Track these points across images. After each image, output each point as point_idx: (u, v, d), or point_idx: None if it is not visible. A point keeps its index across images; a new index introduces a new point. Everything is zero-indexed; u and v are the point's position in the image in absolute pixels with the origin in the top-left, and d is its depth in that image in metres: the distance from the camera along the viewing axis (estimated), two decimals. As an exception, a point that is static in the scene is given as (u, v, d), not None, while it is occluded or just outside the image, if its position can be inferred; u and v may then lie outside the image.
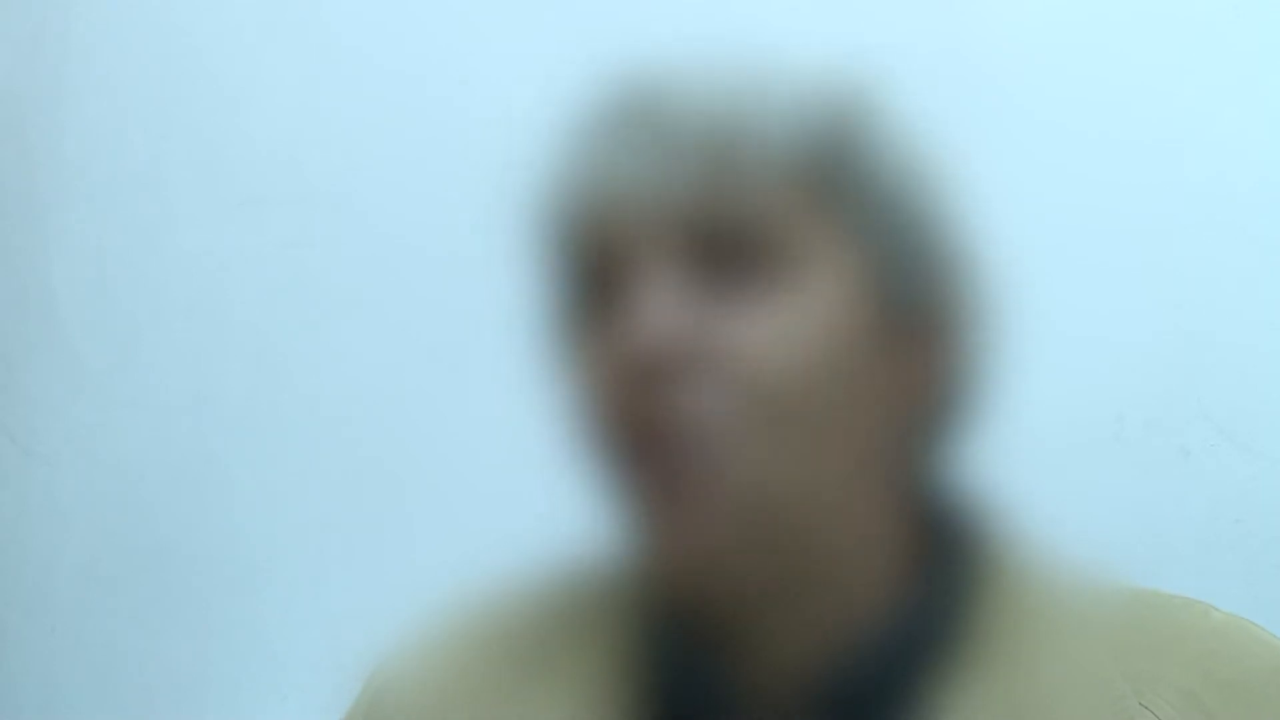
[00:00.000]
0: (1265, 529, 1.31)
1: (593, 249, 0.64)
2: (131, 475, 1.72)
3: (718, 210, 0.61)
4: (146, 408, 1.71)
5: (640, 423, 0.61)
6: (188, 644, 1.68)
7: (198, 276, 1.70)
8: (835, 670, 0.64)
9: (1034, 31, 1.38)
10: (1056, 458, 1.29)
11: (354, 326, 1.62)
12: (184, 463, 1.69)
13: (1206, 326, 1.33)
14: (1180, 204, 1.34)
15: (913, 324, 0.64)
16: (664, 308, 0.61)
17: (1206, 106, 1.34)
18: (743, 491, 0.61)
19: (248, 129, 1.68)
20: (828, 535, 0.64)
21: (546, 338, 0.66)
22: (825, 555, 0.64)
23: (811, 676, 0.65)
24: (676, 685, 0.67)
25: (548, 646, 0.70)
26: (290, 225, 1.66)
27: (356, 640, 0.73)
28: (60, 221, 1.77)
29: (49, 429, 1.77)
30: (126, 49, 1.74)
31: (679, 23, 1.33)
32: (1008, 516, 0.68)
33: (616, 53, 0.65)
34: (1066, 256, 1.34)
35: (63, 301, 1.76)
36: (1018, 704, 0.64)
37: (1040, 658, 0.65)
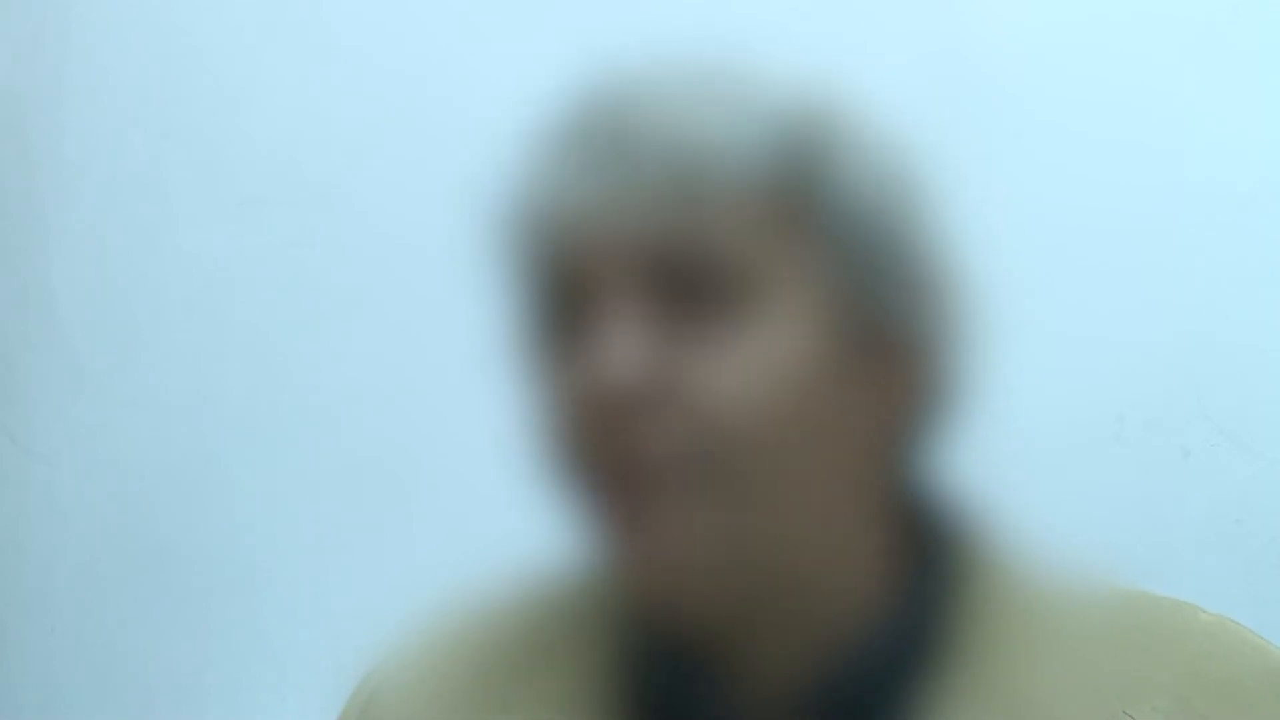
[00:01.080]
0: (1265, 529, 1.31)
1: (559, 275, 0.63)
2: (131, 475, 1.72)
3: (683, 238, 0.60)
4: (146, 408, 1.72)
5: (605, 460, 0.61)
6: (188, 644, 1.68)
7: (198, 276, 1.70)
8: (825, 679, 0.64)
9: (1033, 32, 1.38)
10: (1057, 458, 1.29)
11: (354, 326, 1.62)
12: (184, 462, 1.69)
13: (1206, 327, 1.33)
14: (1180, 204, 1.34)
15: (887, 341, 0.63)
16: (627, 343, 0.60)
17: (1206, 107, 1.34)
18: (710, 528, 0.60)
19: (248, 129, 1.68)
20: (804, 559, 0.63)
21: (520, 359, 0.66)
22: (803, 578, 0.63)
23: (802, 686, 0.64)
24: (666, 695, 0.66)
25: (539, 653, 0.69)
26: (290, 225, 1.66)
27: (356, 640, 0.73)
28: (60, 221, 1.77)
29: (49, 429, 1.77)
30: (126, 49, 1.74)
31: (673, 23, 1.33)
32: (997, 519, 0.68)
33: (589, 68, 0.64)
34: (1066, 257, 1.34)
35: (63, 301, 1.76)
36: (1008, 708, 0.63)
37: (1029, 662, 0.65)
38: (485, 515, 1.40)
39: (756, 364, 0.60)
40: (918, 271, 0.64)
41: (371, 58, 1.63)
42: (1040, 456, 1.25)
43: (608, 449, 0.60)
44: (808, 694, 0.64)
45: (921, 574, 0.66)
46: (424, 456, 1.58)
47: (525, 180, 0.64)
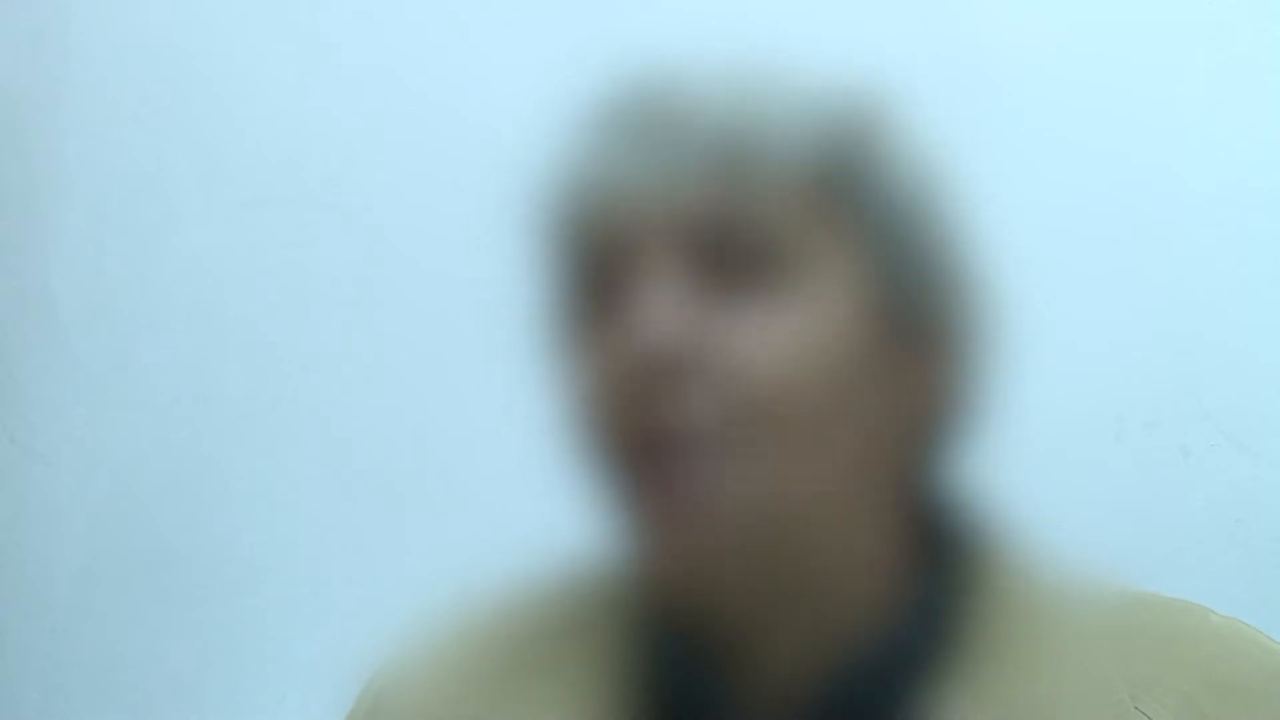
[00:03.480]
0: (1265, 529, 1.31)
1: (598, 248, 0.63)
2: (131, 476, 1.72)
3: (724, 213, 0.61)
4: (146, 408, 1.71)
5: (639, 425, 0.61)
6: (188, 644, 1.68)
7: (198, 276, 1.70)
8: (834, 676, 0.64)
9: (1032, 36, 1.38)
10: (1056, 458, 1.29)
11: (354, 327, 1.62)
12: (183, 463, 1.69)
13: (1206, 327, 1.33)
14: (1179, 205, 1.34)
15: (916, 335, 0.64)
16: (666, 310, 0.60)
17: (1205, 109, 1.34)
18: (740, 498, 0.60)
19: (248, 130, 1.68)
20: (825, 542, 0.63)
21: (548, 338, 0.66)
22: (823, 562, 0.64)
23: (811, 682, 0.65)
24: (676, 690, 0.67)
25: (548, 651, 0.70)
26: (290, 226, 1.66)
27: (356, 641, 0.73)
28: (60, 222, 1.77)
29: (49, 429, 1.77)
30: (126, 50, 1.73)
31: (683, 25, 1.33)
32: (1006, 520, 0.68)
33: (626, 52, 0.65)
34: (1066, 257, 1.34)
35: (63, 302, 1.76)
36: (1016, 708, 0.64)
37: (1039, 661, 0.65)
38: (485, 515, 1.40)
39: (791, 338, 0.61)
40: (950, 270, 0.65)
41: (372, 58, 1.63)
42: (1040, 457, 1.24)
43: (642, 411, 0.61)
44: (818, 691, 0.64)
45: (933, 573, 0.66)
46: (425, 456, 1.58)
47: (568, 155, 0.64)
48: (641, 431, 0.61)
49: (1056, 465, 1.29)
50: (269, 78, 1.67)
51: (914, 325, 0.64)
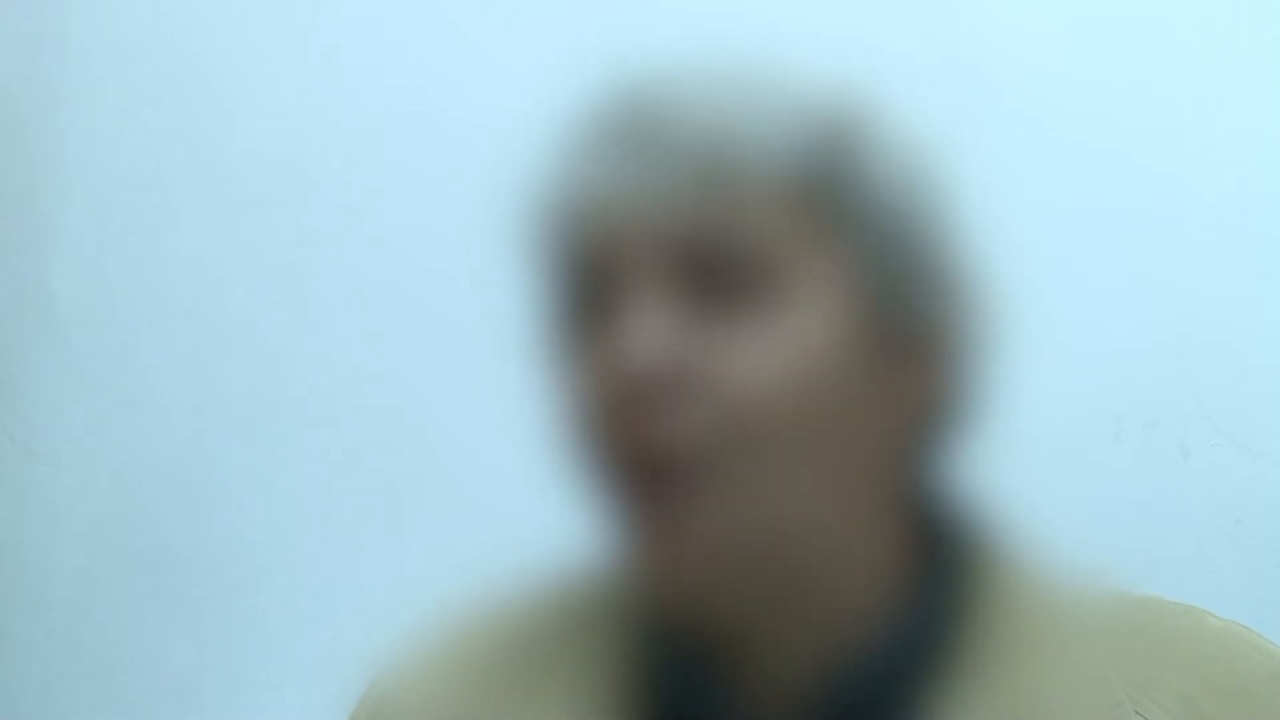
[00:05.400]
0: (1265, 529, 1.32)
1: (585, 263, 0.63)
2: (131, 475, 1.72)
3: (710, 228, 0.61)
4: (146, 408, 1.71)
5: (628, 445, 0.61)
6: (188, 644, 1.68)
7: (198, 276, 1.70)
8: (834, 681, 0.64)
9: (1032, 36, 1.38)
10: (1056, 459, 1.29)
11: (354, 328, 1.62)
12: (184, 463, 1.69)
13: (1206, 327, 1.33)
14: (1179, 205, 1.34)
15: (910, 340, 0.64)
16: (653, 329, 0.60)
17: (1205, 109, 1.34)
18: (731, 515, 0.60)
19: (248, 130, 1.68)
20: (820, 552, 0.63)
21: (542, 348, 0.66)
22: (820, 571, 0.64)
23: (811, 688, 0.65)
24: (675, 695, 0.66)
25: (548, 655, 0.70)
26: (290, 226, 1.66)
27: (356, 641, 0.73)
28: (60, 222, 1.77)
29: (49, 429, 1.77)
30: (126, 50, 1.73)
31: (675, 31, 1.33)
32: (1006, 523, 0.68)
33: (616, 61, 0.65)
34: (1066, 257, 1.34)
35: (63, 301, 1.76)
36: (1015, 710, 0.64)
37: (1038, 664, 0.65)
38: (486, 516, 1.40)
39: (780, 353, 0.60)
40: (943, 273, 0.64)
41: (372, 58, 1.63)
42: (1040, 457, 1.25)
43: (631, 432, 0.60)
44: (819, 696, 0.64)
45: (933, 576, 0.66)
46: (425, 456, 1.58)
47: (556, 170, 0.64)
48: (631, 451, 0.61)
49: (1056, 465, 1.29)
50: (269, 78, 1.67)
51: (907, 331, 0.63)
